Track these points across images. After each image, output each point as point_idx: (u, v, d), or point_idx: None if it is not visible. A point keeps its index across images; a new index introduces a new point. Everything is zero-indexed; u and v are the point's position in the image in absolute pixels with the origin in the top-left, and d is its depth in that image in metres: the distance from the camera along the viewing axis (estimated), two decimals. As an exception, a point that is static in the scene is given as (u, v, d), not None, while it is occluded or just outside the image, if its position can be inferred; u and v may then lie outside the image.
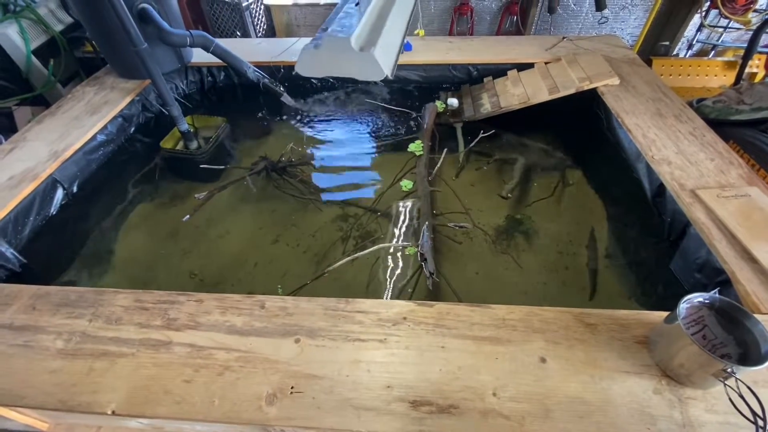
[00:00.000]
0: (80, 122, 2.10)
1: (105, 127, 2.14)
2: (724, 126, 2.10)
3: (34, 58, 3.17)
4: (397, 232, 2.07)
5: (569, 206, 2.20)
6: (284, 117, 2.80)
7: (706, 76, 3.22)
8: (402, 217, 2.13)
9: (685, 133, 1.88)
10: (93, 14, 2.19)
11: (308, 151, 2.54)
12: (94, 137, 2.07)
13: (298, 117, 2.81)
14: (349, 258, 1.63)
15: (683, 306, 1.01)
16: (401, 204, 2.18)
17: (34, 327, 1.20)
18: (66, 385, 1.07)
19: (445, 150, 2.39)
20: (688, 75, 3.25)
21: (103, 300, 1.26)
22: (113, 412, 1.01)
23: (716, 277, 1.39)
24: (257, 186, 2.37)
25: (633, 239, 1.97)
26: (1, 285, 1.34)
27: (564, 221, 2.12)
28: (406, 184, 2.25)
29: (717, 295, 1.02)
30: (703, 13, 3.16)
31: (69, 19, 3.40)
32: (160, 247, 2.07)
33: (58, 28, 3.32)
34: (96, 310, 1.23)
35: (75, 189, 2.01)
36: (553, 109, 2.40)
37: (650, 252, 1.87)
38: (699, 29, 3.37)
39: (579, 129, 2.55)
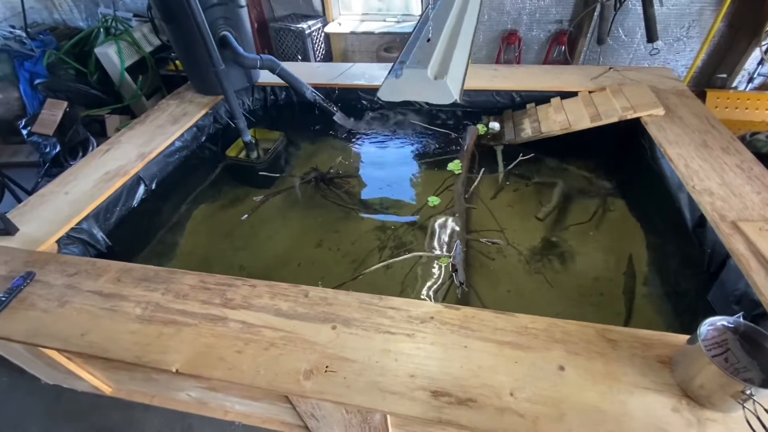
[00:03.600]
0: (163, 130, 2.43)
1: (182, 135, 2.46)
2: (777, 161, 2.04)
3: (126, 75, 3.68)
4: (431, 244, 2.18)
5: (608, 233, 2.21)
6: (336, 134, 3.04)
7: (767, 110, 3.10)
8: (437, 232, 2.23)
9: (732, 165, 1.86)
10: (182, 39, 2.56)
11: (355, 165, 2.74)
12: (173, 143, 2.39)
13: (348, 134, 3.04)
14: (384, 263, 1.77)
15: (705, 328, 1.04)
16: (438, 219, 2.30)
17: (118, 295, 1.43)
18: (141, 344, 1.27)
19: (483, 170, 2.49)
20: (746, 108, 3.14)
21: (174, 278, 1.47)
22: (177, 371, 1.19)
23: (753, 310, 1.37)
24: (306, 194, 2.58)
25: (673, 269, 1.94)
26: (95, 259, 1.60)
27: (601, 247, 2.13)
28: (434, 200, 2.36)
29: (741, 319, 1.04)
30: (764, 48, 3.07)
31: (157, 42, 3.92)
32: (217, 243, 2.32)
33: (148, 49, 3.83)
34: (168, 286, 1.45)
35: (154, 186, 2.32)
36: (596, 137, 2.44)
37: (689, 283, 1.84)
38: (761, 62, 3.27)
39: (622, 158, 2.56)
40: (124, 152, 2.24)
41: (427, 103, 1.96)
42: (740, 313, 1.05)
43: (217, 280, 1.45)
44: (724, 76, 3.41)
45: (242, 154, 2.71)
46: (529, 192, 2.47)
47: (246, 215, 2.33)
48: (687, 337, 1.18)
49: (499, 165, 2.57)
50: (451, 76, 1.15)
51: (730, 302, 1.48)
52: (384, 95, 1.20)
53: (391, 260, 1.80)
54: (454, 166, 2.52)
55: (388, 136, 3.01)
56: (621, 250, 2.10)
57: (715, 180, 1.78)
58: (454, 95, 1.12)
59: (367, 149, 2.92)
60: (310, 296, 1.36)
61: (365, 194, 2.55)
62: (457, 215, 2.16)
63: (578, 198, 2.40)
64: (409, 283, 1.96)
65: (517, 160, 2.52)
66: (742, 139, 2.48)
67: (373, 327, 1.26)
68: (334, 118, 2.86)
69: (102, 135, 3.71)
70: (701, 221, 1.73)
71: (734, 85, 3.44)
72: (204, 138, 2.71)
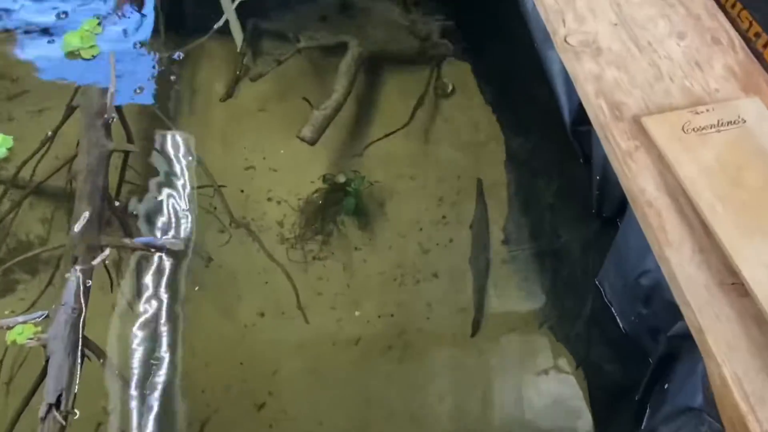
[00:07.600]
0: None
1: None
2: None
3: None
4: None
5: (443, 140, 1.21)
6: None
7: None
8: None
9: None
10: None
11: None
12: None
13: None
14: None
15: None
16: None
17: None
18: None
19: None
20: None
21: None
22: None
23: (674, 323, 0.62)
24: None
25: (549, 206, 1.06)
26: None
27: (431, 175, 1.16)
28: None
29: None
30: None
31: None
32: None
33: None
34: None
35: None
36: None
37: (574, 235, 0.99)
38: None
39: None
40: None
41: None
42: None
43: None
44: None
45: None
46: (297, 72, 1.21)
47: None
48: None
49: (228, 16, 1.17)
50: None
51: (636, 298, 0.72)
52: None
53: None
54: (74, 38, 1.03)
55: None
56: (466, 175, 1.11)
57: (607, 17, 0.76)
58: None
59: None
60: None
61: None
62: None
63: (390, 70, 1.25)
64: None
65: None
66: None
67: None
68: None
69: None
70: (582, 115, 0.78)
71: None
72: None
